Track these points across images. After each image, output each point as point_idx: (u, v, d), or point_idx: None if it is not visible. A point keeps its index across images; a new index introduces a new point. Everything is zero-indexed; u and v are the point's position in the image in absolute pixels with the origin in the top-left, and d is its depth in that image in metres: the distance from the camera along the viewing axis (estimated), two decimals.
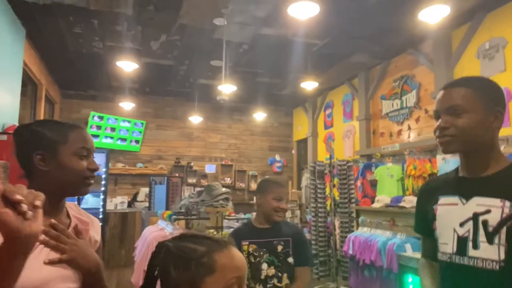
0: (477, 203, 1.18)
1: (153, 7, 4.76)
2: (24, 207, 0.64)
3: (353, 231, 4.91)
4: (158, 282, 0.91)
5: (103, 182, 6.00)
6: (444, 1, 3.85)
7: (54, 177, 1.10)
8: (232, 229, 2.99)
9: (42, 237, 1.04)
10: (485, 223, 1.14)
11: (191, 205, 4.26)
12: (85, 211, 1.27)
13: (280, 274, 2.09)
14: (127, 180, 8.56)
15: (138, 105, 8.60)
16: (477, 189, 1.20)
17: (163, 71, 7.19)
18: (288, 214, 6.08)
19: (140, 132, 8.79)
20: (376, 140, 6.76)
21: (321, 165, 5.89)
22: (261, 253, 2.10)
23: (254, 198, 2.89)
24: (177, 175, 8.23)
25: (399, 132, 6.21)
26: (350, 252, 4.30)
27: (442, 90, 1.27)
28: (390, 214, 4.17)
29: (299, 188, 8.61)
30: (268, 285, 2.07)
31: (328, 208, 5.70)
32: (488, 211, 1.15)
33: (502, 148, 3.43)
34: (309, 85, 6.50)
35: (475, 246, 1.16)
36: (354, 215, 5.11)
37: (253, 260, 2.08)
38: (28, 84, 6.10)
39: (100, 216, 5.90)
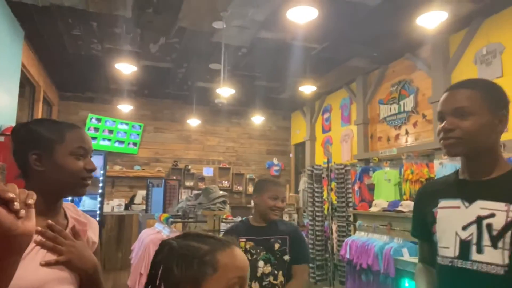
0: (481, 207, 1.16)
1: (152, 10, 4.76)
2: (17, 205, 0.63)
3: (350, 235, 4.90)
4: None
5: (100, 185, 5.97)
6: (442, 7, 3.87)
7: (50, 177, 1.08)
8: (228, 226, 2.98)
9: (39, 238, 1.03)
10: (489, 227, 1.13)
11: (188, 208, 4.25)
12: (82, 212, 1.26)
13: (276, 272, 2.10)
14: (124, 183, 8.53)
15: (136, 108, 8.59)
16: (481, 193, 1.18)
17: (161, 74, 7.19)
18: (286, 218, 6.06)
19: (138, 134, 8.78)
20: (374, 144, 6.77)
21: (318, 169, 5.88)
22: (258, 250, 2.11)
23: (252, 201, 2.89)
24: (174, 178, 8.22)
25: (397, 137, 6.22)
26: (347, 256, 4.30)
27: (447, 91, 1.24)
28: (388, 219, 4.17)
29: (296, 192, 8.60)
30: (264, 283, 2.08)
31: (325, 212, 5.69)
32: (492, 215, 1.13)
33: None
34: (307, 89, 6.53)
35: (479, 250, 1.14)
36: (351, 219, 5.11)
37: (249, 258, 2.09)
38: (26, 86, 6.08)
39: (97, 219, 5.86)
